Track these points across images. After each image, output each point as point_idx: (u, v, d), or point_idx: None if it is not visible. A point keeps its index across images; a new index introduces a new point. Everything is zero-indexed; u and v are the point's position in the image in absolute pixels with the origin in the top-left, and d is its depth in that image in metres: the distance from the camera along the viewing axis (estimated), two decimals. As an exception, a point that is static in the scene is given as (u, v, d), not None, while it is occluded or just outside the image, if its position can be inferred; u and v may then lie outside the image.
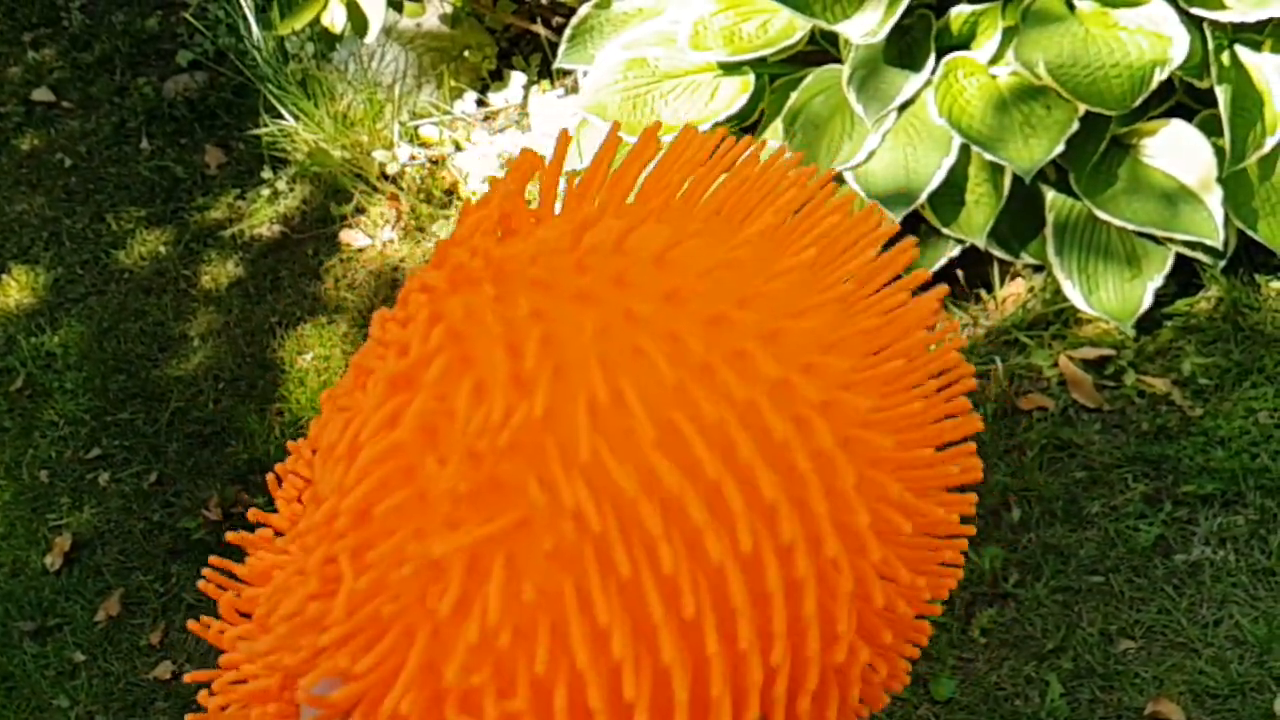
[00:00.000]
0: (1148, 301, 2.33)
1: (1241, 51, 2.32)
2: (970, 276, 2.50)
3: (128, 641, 2.40)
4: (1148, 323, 2.37)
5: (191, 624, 0.54)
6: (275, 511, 0.57)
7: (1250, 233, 2.33)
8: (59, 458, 2.74)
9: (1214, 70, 2.28)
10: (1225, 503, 2.16)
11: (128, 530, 2.58)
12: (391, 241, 2.98)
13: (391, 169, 3.07)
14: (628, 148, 0.50)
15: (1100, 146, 2.32)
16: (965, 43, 2.37)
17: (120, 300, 3.04)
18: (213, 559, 0.55)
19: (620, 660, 0.41)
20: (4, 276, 3.15)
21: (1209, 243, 2.29)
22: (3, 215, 3.32)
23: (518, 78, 3.14)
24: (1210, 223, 2.28)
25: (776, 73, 2.47)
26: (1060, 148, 2.24)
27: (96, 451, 2.74)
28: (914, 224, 2.38)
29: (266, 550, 0.55)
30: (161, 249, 3.14)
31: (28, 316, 3.05)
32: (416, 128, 3.12)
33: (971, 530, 0.49)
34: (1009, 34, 2.32)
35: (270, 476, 0.57)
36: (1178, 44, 2.23)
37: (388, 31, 3.08)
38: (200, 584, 0.55)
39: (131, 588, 2.48)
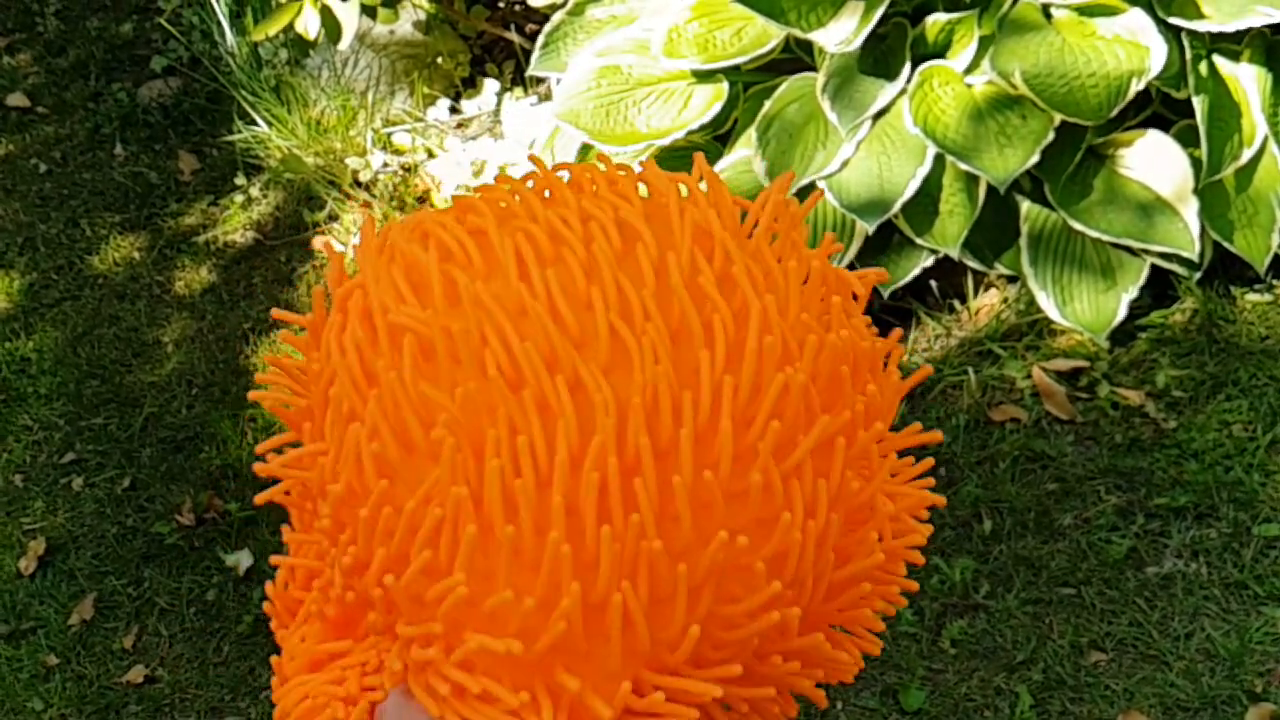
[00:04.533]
0: (1122, 313, 2.32)
1: (1219, 61, 2.31)
2: (944, 287, 2.48)
3: (101, 645, 2.39)
4: (1122, 335, 2.36)
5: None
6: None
7: (1226, 245, 2.32)
8: (33, 462, 2.73)
9: (1191, 80, 2.27)
10: (1198, 515, 2.15)
11: (101, 534, 2.57)
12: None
13: (364, 176, 3.05)
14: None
15: (1076, 157, 2.31)
16: (941, 51, 2.36)
17: (94, 306, 3.02)
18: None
19: None
20: (-23, 282, 3.13)
21: (1185, 254, 2.28)
22: (-24, 220, 3.30)
23: (491, 85, 3.12)
24: (1186, 234, 2.27)
25: (750, 80, 2.46)
26: (1035, 158, 2.23)
27: (70, 456, 2.72)
28: (888, 233, 2.37)
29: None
30: (135, 255, 3.12)
31: (2, 322, 3.04)
32: (389, 135, 3.10)
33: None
34: (985, 43, 2.31)
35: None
36: (1155, 54, 2.22)
37: (361, 38, 3.06)
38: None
39: (105, 592, 2.48)
